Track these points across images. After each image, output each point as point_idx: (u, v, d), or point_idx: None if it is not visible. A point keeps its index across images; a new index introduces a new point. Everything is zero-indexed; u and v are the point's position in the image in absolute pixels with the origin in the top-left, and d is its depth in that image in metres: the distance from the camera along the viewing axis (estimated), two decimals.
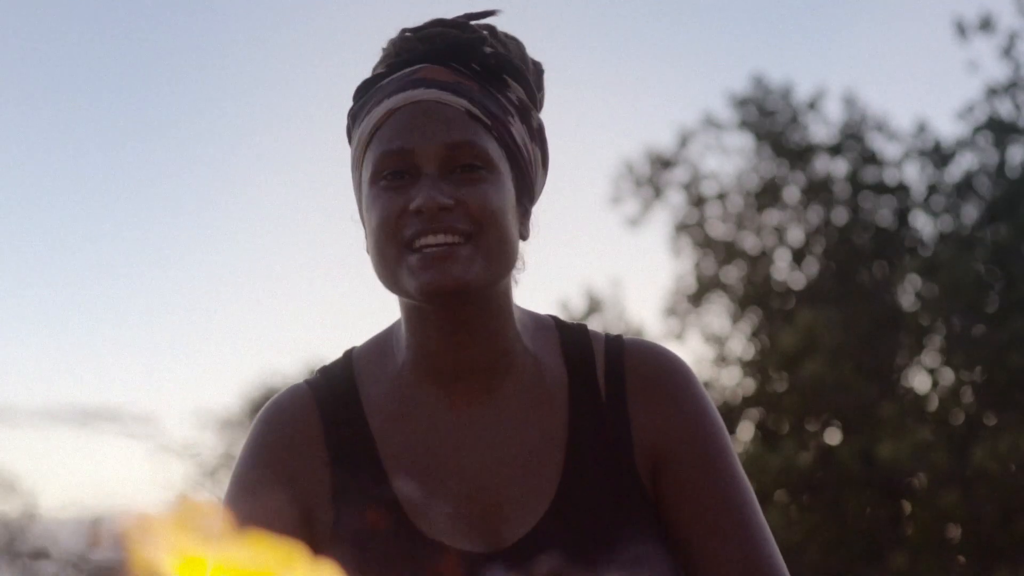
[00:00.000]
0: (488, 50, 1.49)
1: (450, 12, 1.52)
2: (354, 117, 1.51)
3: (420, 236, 1.39)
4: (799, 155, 12.77)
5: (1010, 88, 11.40)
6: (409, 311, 1.47)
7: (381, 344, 1.54)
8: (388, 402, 1.49)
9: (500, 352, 1.47)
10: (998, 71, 12.91)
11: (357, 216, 1.53)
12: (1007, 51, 11.31)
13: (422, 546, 1.42)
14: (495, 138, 1.45)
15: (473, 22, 1.51)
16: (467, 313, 1.44)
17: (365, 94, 1.50)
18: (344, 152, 1.55)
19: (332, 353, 1.56)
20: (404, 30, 1.51)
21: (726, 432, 1.53)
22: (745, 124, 12.84)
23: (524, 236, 1.50)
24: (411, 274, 1.39)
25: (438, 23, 1.50)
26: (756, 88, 12.85)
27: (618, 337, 1.55)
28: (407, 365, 1.49)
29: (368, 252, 1.47)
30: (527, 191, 1.51)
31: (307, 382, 1.54)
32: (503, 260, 1.43)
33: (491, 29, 1.52)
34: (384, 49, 1.52)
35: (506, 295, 1.48)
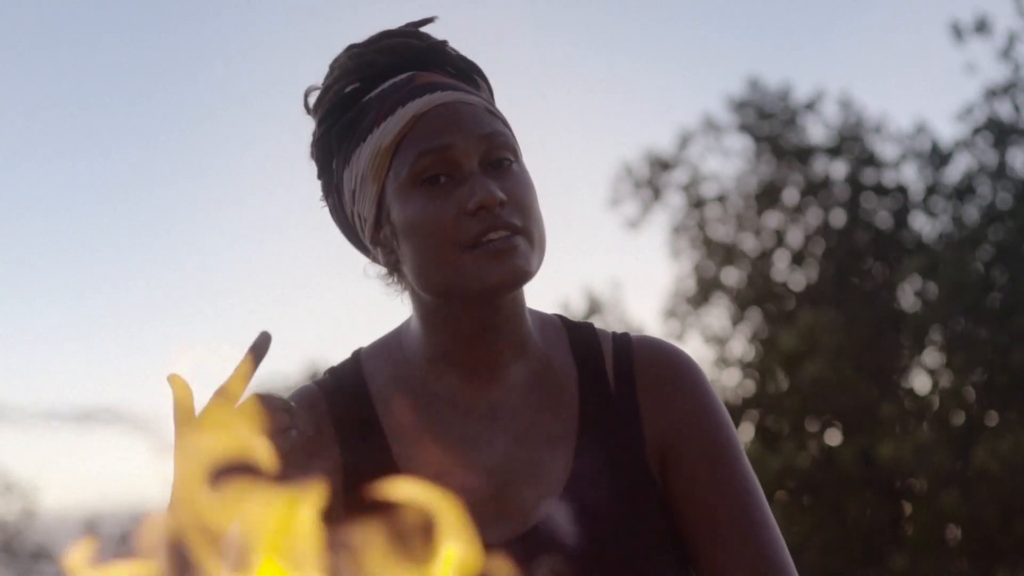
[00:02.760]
0: (453, 53, 1.50)
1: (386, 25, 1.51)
2: (342, 135, 1.47)
3: (485, 234, 1.39)
4: (798, 157, 12.78)
5: (1009, 89, 11.40)
6: (433, 313, 1.47)
7: (389, 344, 1.55)
8: (399, 398, 1.50)
9: (514, 345, 1.49)
10: (996, 72, 12.92)
11: (352, 235, 1.52)
12: (1006, 52, 11.31)
13: None
14: (510, 132, 1.47)
15: (420, 30, 1.51)
16: (496, 308, 1.45)
17: (347, 112, 1.47)
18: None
19: (332, 356, 1.57)
20: (351, 46, 1.49)
21: (733, 428, 1.55)
22: (743, 127, 12.85)
23: None
24: (477, 269, 1.39)
25: (387, 35, 1.49)
26: (753, 91, 12.86)
27: (625, 334, 1.56)
28: (421, 363, 1.50)
29: (408, 259, 1.44)
30: None
31: (316, 382, 1.55)
32: (544, 251, 1.45)
33: (436, 38, 1.52)
34: (335, 67, 1.50)
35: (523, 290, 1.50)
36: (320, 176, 1.53)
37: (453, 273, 1.40)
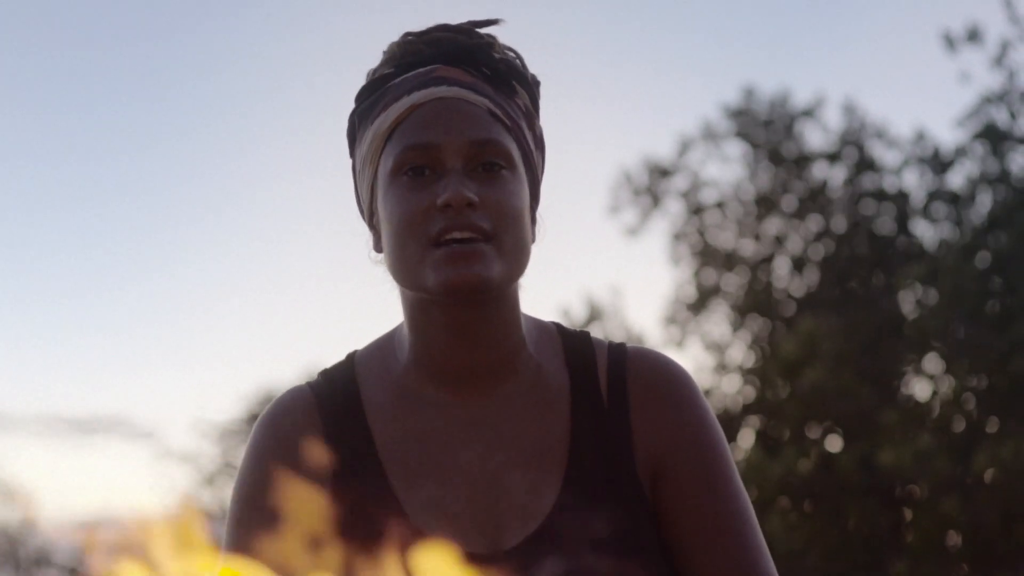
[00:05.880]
0: (497, 56, 1.49)
1: (453, 20, 1.52)
2: (362, 116, 1.50)
3: (446, 232, 1.38)
4: (796, 163, 12.79)
5: (1004, 96, 11.41)
6: (416, 312, 1.47)
7: (383, 347, 1.54)
8: (390, 404, 1.49)
9: (504, 356, 1.47)
10: (991, 79, 12.90)
11: (362, 214, 1.53)
12: (999, 60, 11.31)
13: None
14: (513, 139, 1.46)
15: (477, 30, 1.52)
16: (476, 314, 1.44)
17: (372, 94, 1.50)
18: (341, 158, 1.54)
19: (331, 362, 1.56)
20: (407, 34, 1.51)
21: (726, 443, 1.53)
22: (741, 134, 12.87)
23: (532, 239, 1.51)
24: (434, 269, 1.39)
25: (443, 28, 1.51)
26: (747, 99, 12.87)
27: (621, 345, 1.55)
28: (410, 367, 1.49)
29: (384, 247, 1.46)
30: (535, 195, 1.52)
31: (308, 384, 1.53)
32: (520, 261, 1.44)
33: (492, 39, 1.52)
34: (386, 52, 1.52)
35: (514, 299, 1.48)
36: (350, 155, 1.55)
37: (416, 268, 1.40)
